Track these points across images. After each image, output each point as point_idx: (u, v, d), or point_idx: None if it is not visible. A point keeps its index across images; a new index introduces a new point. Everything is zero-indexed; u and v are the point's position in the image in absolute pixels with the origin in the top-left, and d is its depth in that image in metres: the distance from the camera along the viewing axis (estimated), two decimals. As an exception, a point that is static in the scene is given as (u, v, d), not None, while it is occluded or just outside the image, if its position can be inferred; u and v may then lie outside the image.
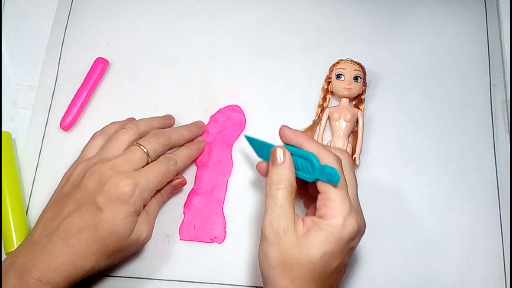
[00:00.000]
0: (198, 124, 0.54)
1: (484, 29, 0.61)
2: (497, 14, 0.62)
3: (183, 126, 0.53)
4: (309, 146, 0.43)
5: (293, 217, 0.42)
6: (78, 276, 0.43)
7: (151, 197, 0.47)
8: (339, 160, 0.43)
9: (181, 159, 0.50)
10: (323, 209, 0.41)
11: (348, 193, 0.42)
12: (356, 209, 0.42)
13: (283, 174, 0.43)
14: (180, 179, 0.51)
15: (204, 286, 0.50)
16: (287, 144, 0.45)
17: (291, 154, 0.44)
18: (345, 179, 0.42)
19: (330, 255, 0.40)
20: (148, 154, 0.47)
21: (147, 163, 0.47)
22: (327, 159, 0.42)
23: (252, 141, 0.49)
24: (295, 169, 0.44)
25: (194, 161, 0.54)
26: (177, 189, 0.52)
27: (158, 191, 0.49)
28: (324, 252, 0.40)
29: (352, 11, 0.61)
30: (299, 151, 0.43)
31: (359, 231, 0.41)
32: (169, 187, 0.50)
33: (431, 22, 0.61)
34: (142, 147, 0.47)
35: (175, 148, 0.52)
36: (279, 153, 0.44)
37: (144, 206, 0.47)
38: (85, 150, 0.50)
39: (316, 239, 0.40)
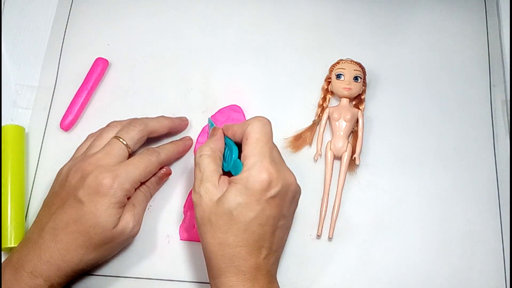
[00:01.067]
0: (181, 118, 0.55)
1: (484, 29, 0.61)
2: (497, 14, 0.62)
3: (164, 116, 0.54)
4: (235, 129, 0.47)
5: (216, 179, 0.45)
6: (68, 270, 0.45)
7: (136, 189, 0.48)
8: (261, 120, 0.46)
9: (164, 152, 0.51)
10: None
11: (262, 148, 0.44)
12: (271, 161, 0.44)
13: (208, 145, 0.47)
14: (164, 170, 0.52)
15: (204, 286, 0.50)
16: (226, 137, 0.49)
17: (225, 142, 0.48)
18: (258, 138, 0.45)
19: (244, 206, 0.42)
20: (127, 145, 0.48)
21: (128, 154, 0.48)
22: (251, 121, 0.46)
23: (211, 125, 0.52)
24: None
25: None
26: (163, 179, 0.52)
27: (143, 183, 0.49)
28: (238, 203, 0.42)
29: (352, 11, 0.61)
30: (230, 141, 0.48)
31: (271, 181, 0.43)
32: (154, 178, 0.51)
33: (431, 22, 0.61)
34: (120, 139, 0.48)
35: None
36: (213, 131, 0.49)
37: (130, 198, 0.48)
38: (76, 151, 0.51)
39: (230, 193, 0.43)
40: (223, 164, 0.47)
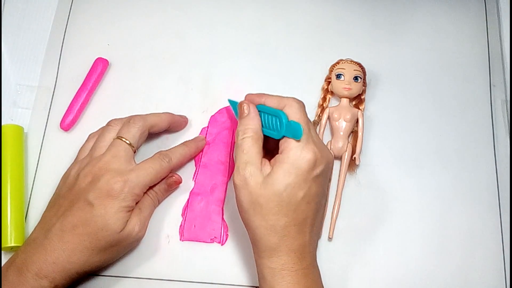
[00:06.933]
0: (182, 116, 0.55)
1: (484, 29, 0.61)
2: (497, 14, 0.62)
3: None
4: (269, 101, 0.48)
5: (260, 162, 0.45)
6: (73, 271, 0.45)
7: (144, 193, 0.48)
8: (299, 102, 0.47)
9: (176, 156, 0.51)
10: (283, 145, 0.45)
11: (304, 129, 0.45)
12: (313, 141, 0.45)
13: (248, 124, 0.47)
14: (174, 177, 0.51)
15: (204, 286, 0.50)
16: (258, 105, 0.49)
17: (260, 111, 0.48)
18: (299, 119, 0.46)
19: (293, 186, 0.44)
20: (130, 144, 0.49)
21: (133, 152, 0.49)
22: (288, 102, 0.47)
23: (233, 104, 0.51)
24: (263, 126, 0.47)
25: (195, 160, 0.54)
26: (172, 187, 0.52)
27: (151, 187, 0.49)
28: (287, 183, 0.43)
29: (352, 11, 0.61)
30: (269, 108, 0.47)
31: (316, 159, 0.44)
32: (163, 184, 0.51)
33: (431, 22, 0.61)
34: (123, 139, 0.49)
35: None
36: (245, 107, 0.48)
37: (138, 203, 0.48)
38: (79, 152, 0.51)
39: (278, 174, 0.44)
40: (266, 133, 0.47)
